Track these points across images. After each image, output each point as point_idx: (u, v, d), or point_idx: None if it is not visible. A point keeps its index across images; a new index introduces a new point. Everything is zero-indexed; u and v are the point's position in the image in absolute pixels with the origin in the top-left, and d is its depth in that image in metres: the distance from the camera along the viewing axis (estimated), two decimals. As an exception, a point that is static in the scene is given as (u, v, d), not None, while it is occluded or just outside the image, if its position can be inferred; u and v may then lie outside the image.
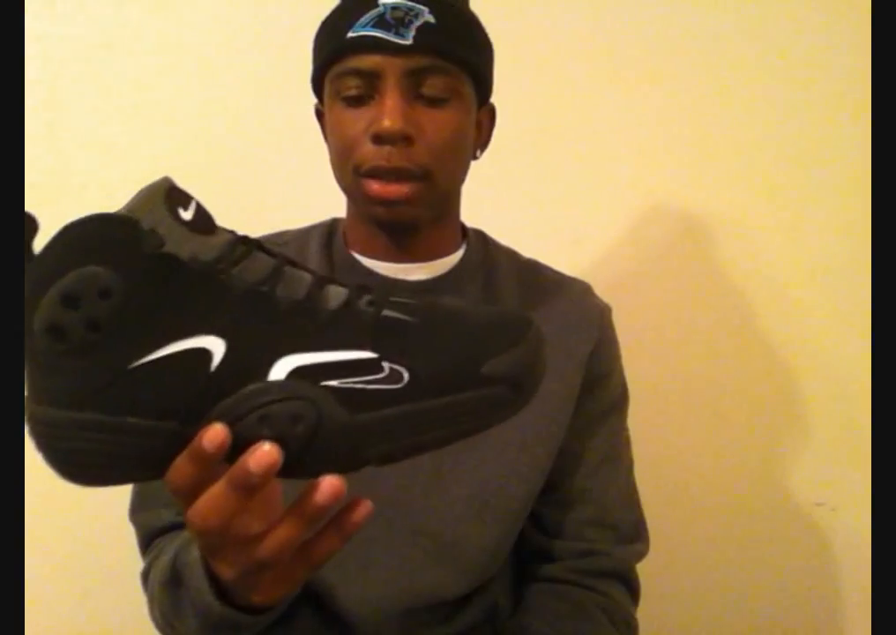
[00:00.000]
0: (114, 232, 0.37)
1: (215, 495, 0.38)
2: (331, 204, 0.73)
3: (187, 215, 0.39)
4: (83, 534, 1.02)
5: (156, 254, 0.37)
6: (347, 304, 0.41)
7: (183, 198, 0.40)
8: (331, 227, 0.75)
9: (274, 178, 1.03)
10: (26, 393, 0.39)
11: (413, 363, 0.39)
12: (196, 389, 0.38)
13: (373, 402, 0.38)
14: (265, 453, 0.37)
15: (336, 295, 0.41)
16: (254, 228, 0.76)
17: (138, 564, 0.66)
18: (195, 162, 1.02)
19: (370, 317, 0.40)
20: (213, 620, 0.48)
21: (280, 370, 0.38)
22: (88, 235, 0.37)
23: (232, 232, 0.42)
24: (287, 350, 0.38)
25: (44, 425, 0.38)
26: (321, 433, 0.38)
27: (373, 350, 0.39)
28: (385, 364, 0.39)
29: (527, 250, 0.79)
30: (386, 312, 0.41)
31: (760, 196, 1.07)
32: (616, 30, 1.05)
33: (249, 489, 0.37)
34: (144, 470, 0.39)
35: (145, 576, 0.64)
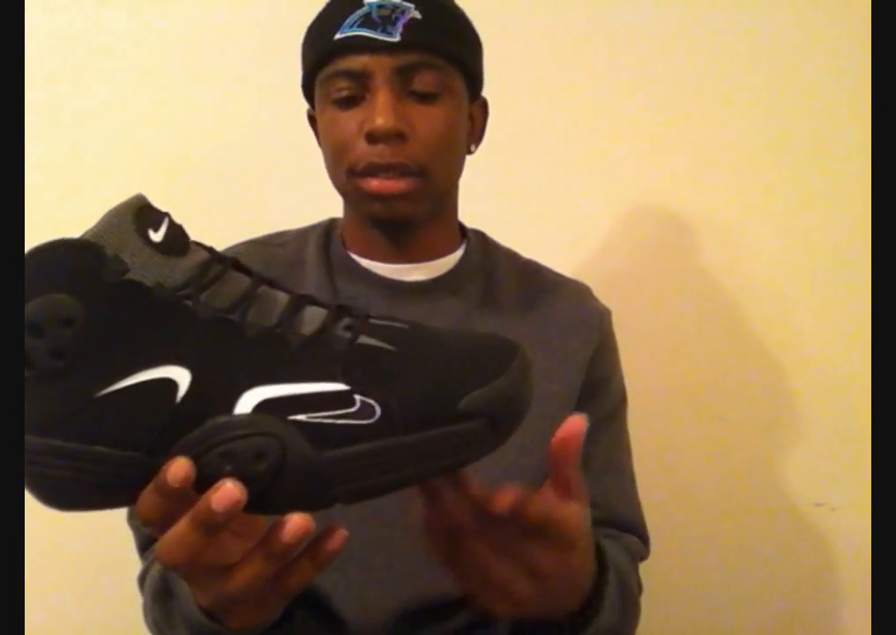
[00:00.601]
0: (76, 259, 0.36)
1: (180, 531, 0.37)
2: (330, 204, 0.73)
3: (157, 237, 0.38)
4: (83, 535, 1.02)
5: (119, 282, 0.36)
6: (323, 330, 0.39)
7: (155, 218, 0.38)
8: (328, 227, 0.75)
9: (274, 178, 1.03)
10: None
11: (386, 397, 0.37)
12: (161, 420, 0.37)
13: (342, 438, 0.37)
14: (226, 491, 0.36)
15: (312, 318, 0.40)
16: (254, 228, 0.76)
17: (137, 564, 0.66)
18: (195, 163, 1.02)
19: (345, 344, 0.39)
20: (203, 633, 0.47)
21: (246, 403, 0.37)
22: (52, 261, 0.36)
23: (209, 249, 0.40)
24: (254, 382, 0.37)
25: None
26: (286, 471, 0.37)
27: (345, 382, 0.38)
28: (357, 397, 0.37)
29: (526, 250, 0.79)
30: (363, 339, 0.39)
31: (759, 197, 1.06)
32: (616, 31, 1.05)
33: (212, 526, 0.36)
34: (112, 498, 0.39)
35: (142, 580, 0.64)
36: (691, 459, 1.09)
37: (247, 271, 0.41)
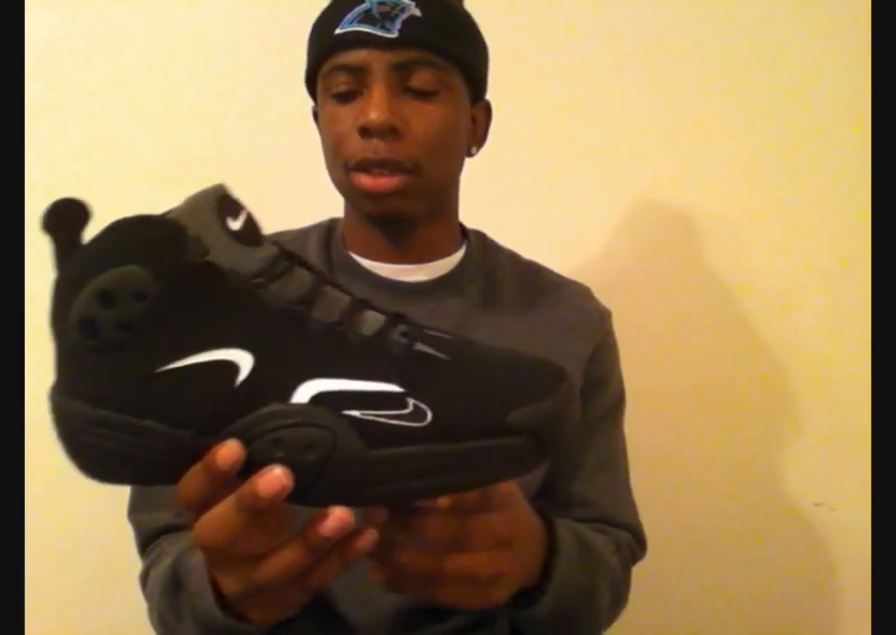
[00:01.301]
0: (160, 236, 0.37)
1: (222, 512, 0.38)
2: (330, 204, 0.73)
3: (235, 225, 0.39)
4: (83, 535, 1.02)
5: (198, 263, 0.37)
6: (381, 333, 0.40)
7: (234, 208, 0.39)
8: (329, 227, 0.75)
9: (275, 179, 1.03)
10: (53, 382, 0.39)
11: (438, 403, 0.38)
12: (217, 402, 0.37)
13: (392, 438, 0.37)
14: (274, 478, 0.36)
15: (371, 321, 0.40)
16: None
17: (138, 564, 0.66)
18: (196, 163, 1.02)
19: (402, 349, 0.40)
20: (213, 628, 0.47)
21: (303, 393, 0.37)
22: (135, 235, 0.37)
23: (277, 244, 0.41)
24: (314, 373, 0.38)
25: (66, 416, 0.38)
26: (333, 464, 0.37)
27: (400, 384, 0.38)
28: (410, 400, 0.38)
29: (526, 251, 0.79)
30: (419, 346, 0.40)
31: (760, 197, 1.06)
32: (616, 31, 1.05)
33: (255, 511, 0.37)
34: (154, 474, 0.39)
35: (144, 577, 0.64)
36: (691, 459, 1.09)
37: (310, 268, 0.42)
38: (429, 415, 0.38)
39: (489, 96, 0.72)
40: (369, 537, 0.40)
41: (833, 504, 1.08)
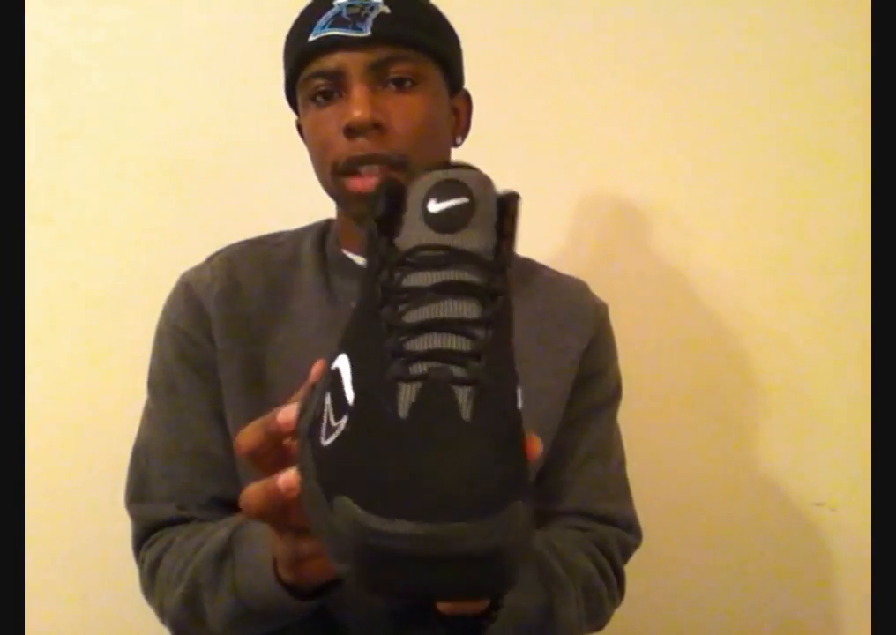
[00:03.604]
0: (375, 198, 0.40)
1: (250, 426, 0.41)
2: (327, 204, 0.73)
3: (434, 207, 0.39)
4: (83, 535, 1.02)
5: (367, 227, 0.40)
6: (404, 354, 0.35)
7: (449, 193, 0.39)
8: (324, 227, 0.75)
9: (271, 180, 1.03)
10: None
11: (336, 447, 0.33)
12: None
13: (313, 444, 0.35)
14: (283, 413, 0.39)
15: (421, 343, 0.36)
16: (251, 228, 0.76)
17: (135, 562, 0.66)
18: (195, 165, 1.02)
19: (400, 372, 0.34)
20: (255, 600, 0.50)
21: (337, 361, 0.38)
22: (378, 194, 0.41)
23: (512, 246, 0.41)
24: (347, 348, 0.38)
25: None
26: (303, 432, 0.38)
27: (353, 398, 0.35)
28: (343, 419, 0.34)
29: (523, 249, 0.79)
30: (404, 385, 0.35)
31: (759, 196, 1.07)
32: (615, 30, 1.05)
33: (271, 433, 0.40)
34: None
35: (153, 569, 0.63)
36: (691, 459, 1.09)
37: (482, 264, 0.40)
38: (330, 442, 0.33)
39: (485, 94, 0.72)
40: None
41: (833, 504, 1.08)
